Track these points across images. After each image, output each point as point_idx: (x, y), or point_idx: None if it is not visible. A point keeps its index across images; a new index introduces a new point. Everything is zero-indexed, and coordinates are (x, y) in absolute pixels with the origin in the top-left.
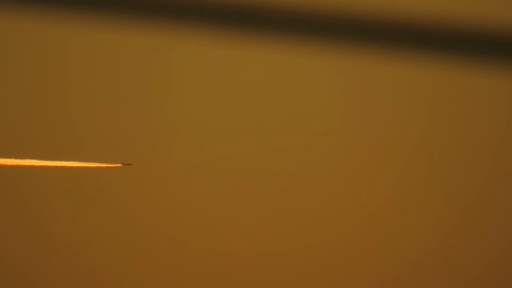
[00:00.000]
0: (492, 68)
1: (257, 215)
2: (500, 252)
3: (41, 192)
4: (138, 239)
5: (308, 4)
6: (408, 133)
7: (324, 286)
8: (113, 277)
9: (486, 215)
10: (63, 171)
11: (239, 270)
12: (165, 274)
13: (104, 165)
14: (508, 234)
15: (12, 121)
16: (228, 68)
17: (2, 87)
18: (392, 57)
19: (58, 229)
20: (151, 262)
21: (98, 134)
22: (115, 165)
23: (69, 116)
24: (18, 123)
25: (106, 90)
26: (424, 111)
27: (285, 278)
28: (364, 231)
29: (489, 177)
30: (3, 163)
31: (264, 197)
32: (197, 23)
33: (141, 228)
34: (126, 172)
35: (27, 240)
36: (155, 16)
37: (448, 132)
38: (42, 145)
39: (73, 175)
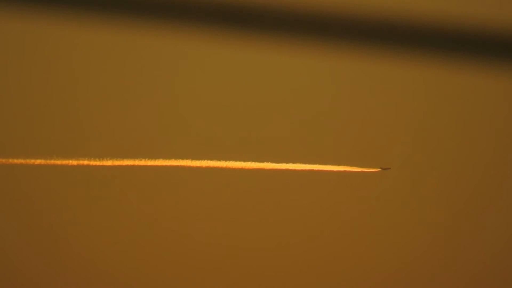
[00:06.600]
0: (488, 68)
1: (256, 212)
2: (498, 250)
3: (50, 191)
4: (140, 238)
5: (303, 5)
6: (403, 133)
7: (322, 281)
8: (119, 276)
9: (483, 214)
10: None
11: (236, 266)
12: (170, 272)
13: (365, 169)
14: (505, 232)
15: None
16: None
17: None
18: (387, 57)
19: (64, 228)
20: (154, 260)
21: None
22: (375, 170)
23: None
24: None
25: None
26: (418, 111)
27: (288, 271)
28: (360, 229)
29: (486, 176)
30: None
31: (262, 195)
32: (200, 24)
33: (143, 227)
34: (127, 171)
35: (35, 239)
36: (160, 17)
37: (443, 132)
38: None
39: (74, 175)
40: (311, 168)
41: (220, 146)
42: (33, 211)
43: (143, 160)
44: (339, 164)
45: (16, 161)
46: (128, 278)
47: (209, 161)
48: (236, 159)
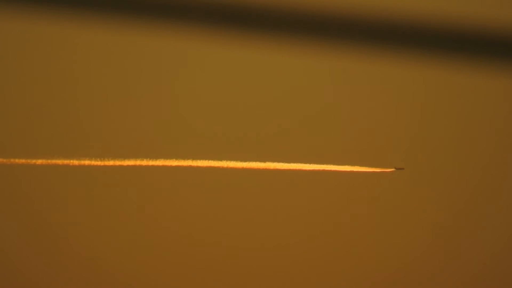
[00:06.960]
0: (488, 68)
1: (255, 211)
2: (498, 250)
3: (52, 191)
4: (140, 237)
5: (303, 5)
6: (403, 133)
7: (322, 281)
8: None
9: (483, 214)
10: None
11: (236, 265)
12: (170, 272)
13: (379, 169)
14: (505, 232)
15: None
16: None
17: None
18: (387, 57)
19: (64, 227)
20: (154, 260)
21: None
22: (389, 170)
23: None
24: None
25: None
26: (418, 111)
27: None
28: (359, 229)
29: (486, 176)
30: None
31: (263, 196)
32: (200, 24)
33: (144, 227)
34: (129, 171)
35: (36, 239)
36: (160, 17)
37: (443, 132)
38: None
39: (75, 175)
40: (311, 168)
41: (221, 146)
42: (34, 211)
43: (144, 160)
44: (339, 163)
45: (17, 161)
46: (128, 278)
47: (210, 161)
48: (237, 159)
